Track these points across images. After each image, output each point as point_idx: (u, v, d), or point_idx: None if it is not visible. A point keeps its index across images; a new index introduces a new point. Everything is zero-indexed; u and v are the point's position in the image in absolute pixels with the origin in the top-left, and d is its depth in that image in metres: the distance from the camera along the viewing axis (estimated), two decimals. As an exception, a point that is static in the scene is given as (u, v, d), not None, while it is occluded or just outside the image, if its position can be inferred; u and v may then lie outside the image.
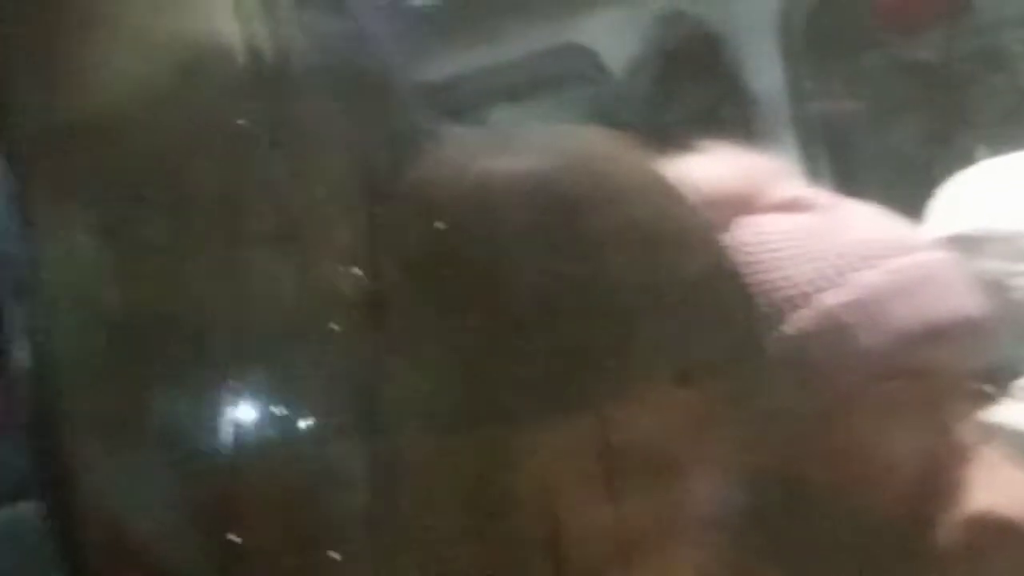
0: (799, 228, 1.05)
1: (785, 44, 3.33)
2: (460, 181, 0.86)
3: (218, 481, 0.81)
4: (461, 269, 0.84)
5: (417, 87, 0.98)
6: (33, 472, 0.82)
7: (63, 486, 0.81)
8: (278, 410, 0.81)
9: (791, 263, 1.03)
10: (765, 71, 3.32)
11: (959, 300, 1.07)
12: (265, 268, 0.82)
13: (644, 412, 0.84)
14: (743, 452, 0.89)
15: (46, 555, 0.81)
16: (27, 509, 0.82)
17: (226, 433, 0.81)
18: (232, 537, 0.79)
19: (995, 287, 1.41)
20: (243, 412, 0.81)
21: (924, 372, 1.04)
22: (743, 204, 1.04)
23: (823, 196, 1.08)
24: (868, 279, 1.03)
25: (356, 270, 0.84)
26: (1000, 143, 1.65)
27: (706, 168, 1.02)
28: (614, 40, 3.41)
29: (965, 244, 1.41)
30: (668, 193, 0.89)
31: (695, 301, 0.87)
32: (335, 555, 0.81)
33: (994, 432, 1.09)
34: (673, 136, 1.03)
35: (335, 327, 0.83)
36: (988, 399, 1.10)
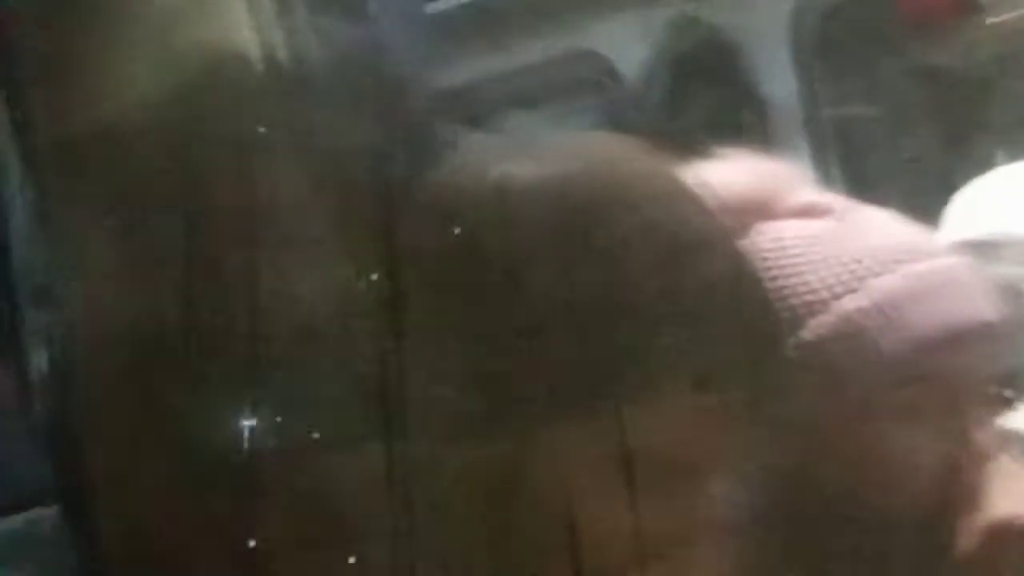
0: (817, 233, 1.05)
1: (798, 50, 3.33)
2: (480, 186, 0.86)
3: (237, 487, 0.81)
4: (480, 274, 0.84)
5: (433, 93, 0.98)
6: (51, 478, 0.82)
7: (81, 492, 0.81)
8: (297, 416, 0.81)
9: (809, 268, 1.03)
10: (778, 77, 3.32)
11: (977, 305, 1.07)
12: (283, 274, 0.83)
13: (663, 417, 0.84)
14: (761, 457, 0.89)
15: (64, 562, 0.81)
16: (46, 515, 0.82)
17: (245, 439, 0.81)
18: (252, 543, 0.79)
19: (1012, 292, 1.40)
20: (262, 418, 0.81)
21: (943, 377, 1.04)
22: (761, 210, 1.04)
23: (840, 202, 1.08)
24: (887, 284, 1.03)
25: (375, 276, 0.84)
26: (1019, 148, 1.65)
27: (724, 174, 1.02)
28: (627, 46, 3.41)
29: (982, 249, 1.41)
30: (687, 198, 0.89)
31: (714, 306, 0.87)
32: (354, 560, 0.81)
33: (1013, 438, 1.09)
34: (687, 142, 1.03)
35: (354, 333, 0.83)
36: (1007, 404, 1.10)
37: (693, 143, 1.05)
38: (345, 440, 0.82)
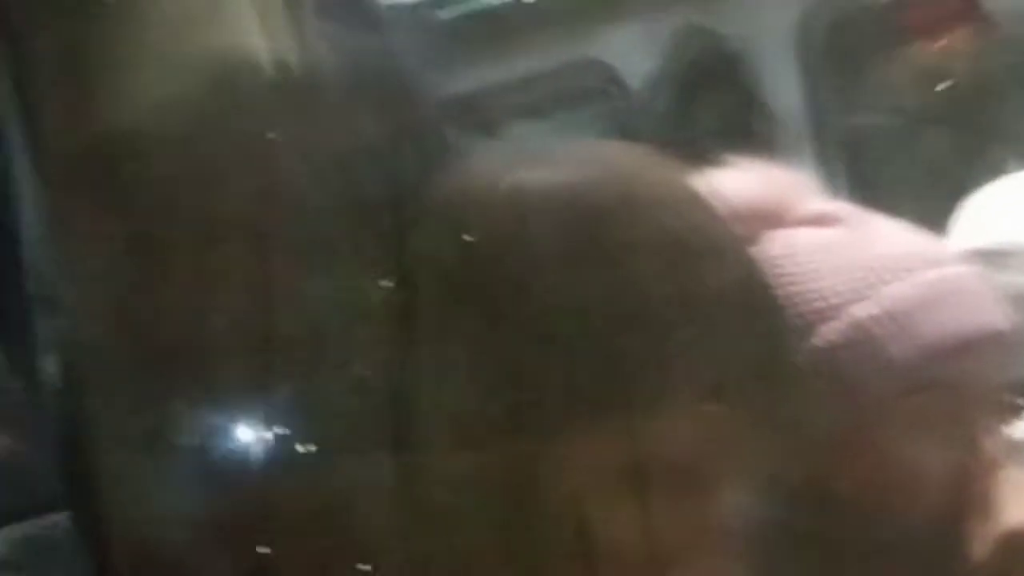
0: (827, 241, 1.05)
1: (805, 59, 3.33)
2: (492, 193, 0.86)
3: (247, 494, 0.81)
4: (492, 281, 0.84)
5: (442, 101, 0.98)
6: (63, 484, 0.82)
7: (93, 498, 0.81)
8: (307, 423, 0.81)
9: (820, 276, 1.03)
10: (784, 86, 3.31)
11: (987, 313, 1.07)
12: (294, 281, 0.83)
13: (675, 424, 0.84)
14: (772, 464, 0.89)
15: (78, 567, 0.81)
16: (57, 521, 0.82)
17: (255, 446, 0.81)
18: (261, 549, 0.79)
19: (1021, 300, 1.40)
20: (271, 425, 0.81)
21: (952, 384, 1.04)
22: (772, 218, 1.05)
23: (850, 210, 1.09)
24: (897, 292, 1.03)
25: (385, 283, 0.84)
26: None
27: (735, 182, 1.02)
28: (633, 55, 3.41)
29: (991, 258, 1.40)
30: (699, 207, 0.89)
31: (725, 314, 0.87)
32: (365, 568, 0.81)
33: (1022, 447, 1.09)
34: (695, 151, 1.03)
35: (365, 340, 0.83)
36: (1016, 412, 1.10)
37: (703, 152, 1.05)
38: (356, 447, 0.82)
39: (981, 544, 1.02)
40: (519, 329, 0.83)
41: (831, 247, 1.05)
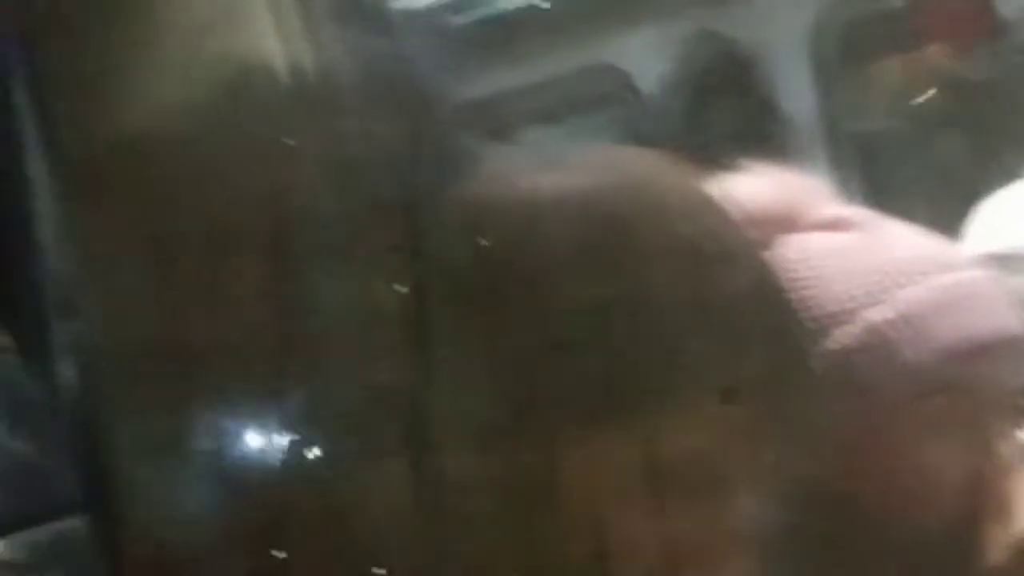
0: (842, 245, 1.05)
1: (818, 63, 3.33)
2: (507, 199, 0.86)
3: (263, 498, 0.81)
4: (508, 286, 0.84)
5: (456, 106, 0.98)
6: (80, 488, 0.82)
7: (109, 502, 0.81)
8: (322, 427, 0.81)
9: (835, 280, 1.03)
10: (798, 91, 3.31)
11: (1001, 317, 1.07)
12: (309, 286, 0.83)
13: (690, 428, 0.84)
14: (788, 467, 0.89)
15: (93, 570, 0.81)
16: (74, 525, 0.82)
17: (270, 450, 0.81)
18: (277, 553, 0.80)
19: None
20: (286, 429, 0.81)
21: (967, 388, 1.04)
22: (786, 222, 1.05)
23: (864, 214, 1.09)
24: (912, 295, 1.03)
25: (400, 287, 0.84)
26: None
27: (749, 186, 1.03)
28: (646, 60, 3.42)
29: (1006, 262, 1.40)
30: (713, 211, 0.89)
31: (740, 318, 0.87)
32: (380, 571, 0.81)
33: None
34: (708, 155, 1.03)
35: (380, 345, 0.83)
36: (1031, 416, 1.09)
37: (717, 156, 1.05)
38: (371, 452, 0.82)
39: (996, 548, 1.02)
40: (534, 333, 0.83)
41: (845, 251, 1.05)
